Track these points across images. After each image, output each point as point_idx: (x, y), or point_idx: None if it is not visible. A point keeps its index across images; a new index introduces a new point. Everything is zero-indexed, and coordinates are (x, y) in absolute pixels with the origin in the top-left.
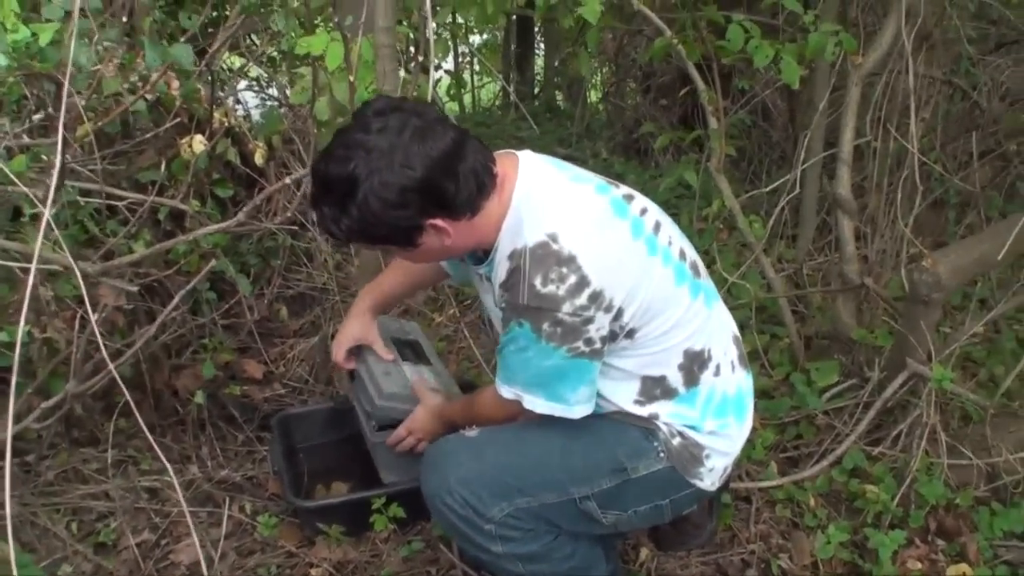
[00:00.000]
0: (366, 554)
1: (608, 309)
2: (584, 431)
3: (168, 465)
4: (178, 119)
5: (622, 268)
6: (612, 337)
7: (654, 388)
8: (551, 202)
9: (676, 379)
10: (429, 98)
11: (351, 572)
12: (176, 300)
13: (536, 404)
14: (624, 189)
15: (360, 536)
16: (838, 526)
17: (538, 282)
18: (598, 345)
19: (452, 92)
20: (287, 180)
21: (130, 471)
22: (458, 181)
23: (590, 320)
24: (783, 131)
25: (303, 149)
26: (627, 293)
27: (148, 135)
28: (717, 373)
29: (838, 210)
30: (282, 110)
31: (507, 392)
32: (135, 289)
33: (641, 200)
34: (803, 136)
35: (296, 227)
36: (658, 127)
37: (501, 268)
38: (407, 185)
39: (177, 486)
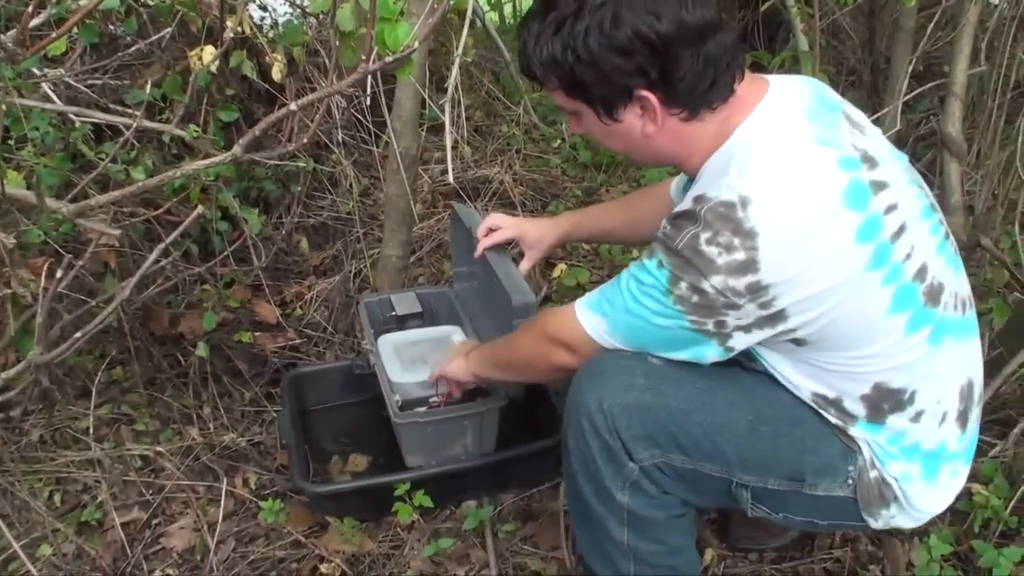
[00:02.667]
0: (385, 545)
1: (765, 307)
2: (785, 415)
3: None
4: (168, 29)
5: (812, 275)
6: (759, 326)
7: (826, 406)
8: (771, 158)
9: (855, 408)
10: (469, 8)
11: (367, 567)
12: (155, 253)
13: (600, 337)
14: (881, 171)
15: (379, 521)
16: (940, 535)
17: (704, 237)
18: (728, 330)
19: (493, 1)
20: (292, 106)
21: (123, 432)
22: (696, 62)
23: (735, 307)
24: (855, 54)
25: (329, 63)
26: (805, 303)
27: (132, 48)
28: (916, 420)
29: (944, 152)
30: (307, 19)
31: (587, 318)
32: (116, 232)
33: (897, 191)
34: (907, 63)
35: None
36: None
37: (685, 201)
38: (643, 33)
39: (172, 460)
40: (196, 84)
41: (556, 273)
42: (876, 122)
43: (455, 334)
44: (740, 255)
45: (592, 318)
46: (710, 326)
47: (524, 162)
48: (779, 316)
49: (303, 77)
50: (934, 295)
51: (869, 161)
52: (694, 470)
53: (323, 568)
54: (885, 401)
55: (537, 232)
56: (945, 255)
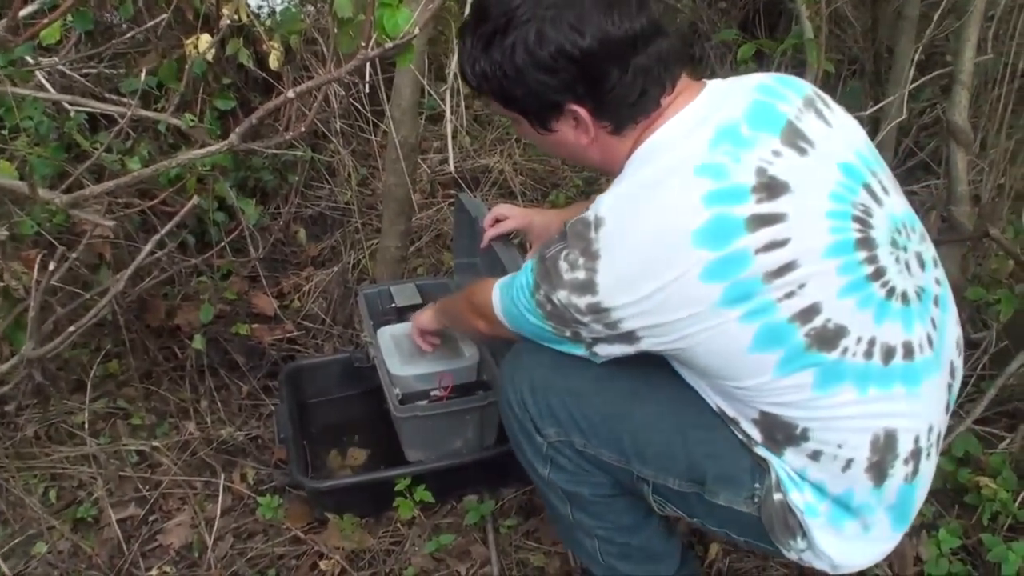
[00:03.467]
0: (385, 541)
1: (612, 327)
2: (692, 415)
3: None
4: (163, 16)
5: (653, 305)
6: (613, 341)
7: (728, 421)
8: (636, 183)
9: (752, 431)
10: None
11: (367, 564)
12: (150, 245)
13: (501, 318)
14: (783, 203)
15: (379, 517)
16: (948, 528)
17: (563, 253)
18: (586, 340)
19: None
20: (289, 94)
21: (119, 427)
22: (624, 75)
23: (579, 323)
24: (857, 43)
25: (327, 50)
26: (656, 329)
27: (127, 35)
28: (815, 458)
29: (951, 141)
30: (304, 6)
31: (495, 295)
32: (111, 223)
33: (795, 226)
34: (914, 51)
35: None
36: (730, 35)
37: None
38: (567, 51)
39: (169, 455)
40: (192, 72)
41: None
42: (880, 111)
43: None
44: (581, 274)
45: (497, 296)
46: (568, 334)
47: (524, 151)
48: (631, 336)
49: (301, 66)
50: (826, 339)
51: (769, 190)
52: (595, 455)
53: (322, 565)
54: (777, 432)
55: (544, 222)
56: (859, 296)
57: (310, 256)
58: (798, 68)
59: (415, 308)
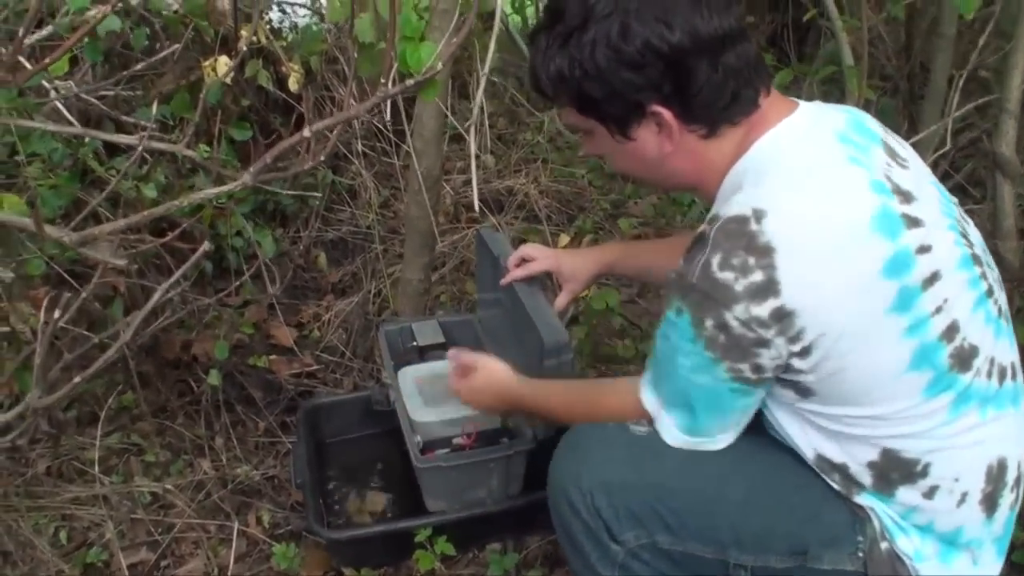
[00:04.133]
0: None
1: (794, 340)
2: (784, 480)
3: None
4: (176, 46)
5: (835, 303)
6: (784, 371)
7: (831, 471)
8: (793, 174)
9: (862, 475)
10: (497, 11)
11: None
12: (159, 294)
13: (671, 433)
14: (916, 208)
15: (398, 567)
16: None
17: (716, 261)
18: (768, 374)
19: (516, 4)
20: (306, 132)
21: (132, 464)
22: (714, 74)
23: (765, 343)
24: (890, 60)
25: (348, 69)
26: (826, 337)
27: (142, 62)
28: (929, 496)
29: (997, 174)
30: (324, 24)
31: (649, 400)
32: (122, 263)
33: (932, 233)
34: (957, 77)
35: (338, 160)
36: (768, 59)
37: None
38: (654, 45)
39: (182, 497)
40: (207, 101)
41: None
42: (920, 142)
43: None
44: (757, 276)
45: (652, 399)
46: (747, 372)
47: (549, 172)
48: (805, 354)
49: (322, 85)
50: (963, 359)
51: (902, 195)
52: (684, 552)
53: None
54: (894, 471)
55: (574, 264)
56: (983, 313)
57: (330, 282)
58: (833, 89)
59: (437, 348)
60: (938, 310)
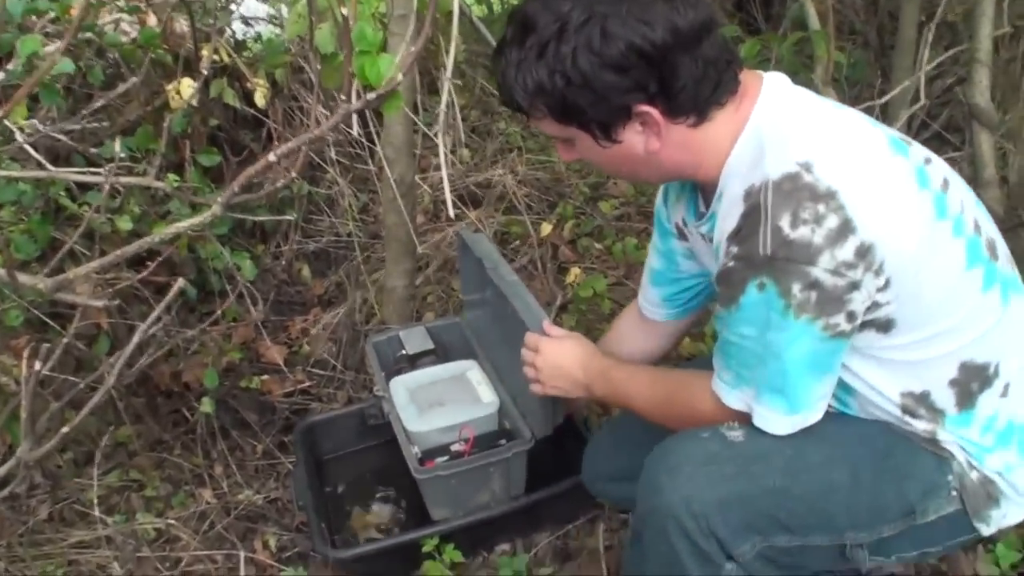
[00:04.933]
0: None
1: (878, 273)
2: (875, 451)
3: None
4: (133, 79)
5: (900, 219)
6: (868, 310)
7: (915, 406)
8: (807, 126)
9: (945, 398)
10: (455, 9)
11: None
12: (137, 337)
13: (774, 421)
14: (897, 132)
15: None
16: (1007, 542)
17: (786, 223)
18: (859, 320)
19: None
20: (271, 157)
21: (133, 500)
22: (696, 66)
23: (856, 285)
24: (858, 14)
25: (315, 78)
26: (901, 260)
27: (99, 103)
28: (1005, 394)
29: (974, 123)
30: (284, 37)
31: (735, 399)
32: (100, 304)
33: (921, 149)
34: (926, 29)
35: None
36: (731, 31)
37: (731, 214)
38: (637, 45)
39: (186, 530)
40: (171, 131)
41: (570, 278)
42: (893, 99)
43: (471, 370)
44: (833, 219)
45: (738, 398)
46: (843, 322)
47: (525, 161)
48: (885, 287)
49: (289, 97)
50: (992, 249)
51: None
52: (801, 546)
53: None
54: (973, 380)
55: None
56: (982, 209)
57: (315, 295)
58: (802, 54)
59: (427, 355)
60: (962, 209)
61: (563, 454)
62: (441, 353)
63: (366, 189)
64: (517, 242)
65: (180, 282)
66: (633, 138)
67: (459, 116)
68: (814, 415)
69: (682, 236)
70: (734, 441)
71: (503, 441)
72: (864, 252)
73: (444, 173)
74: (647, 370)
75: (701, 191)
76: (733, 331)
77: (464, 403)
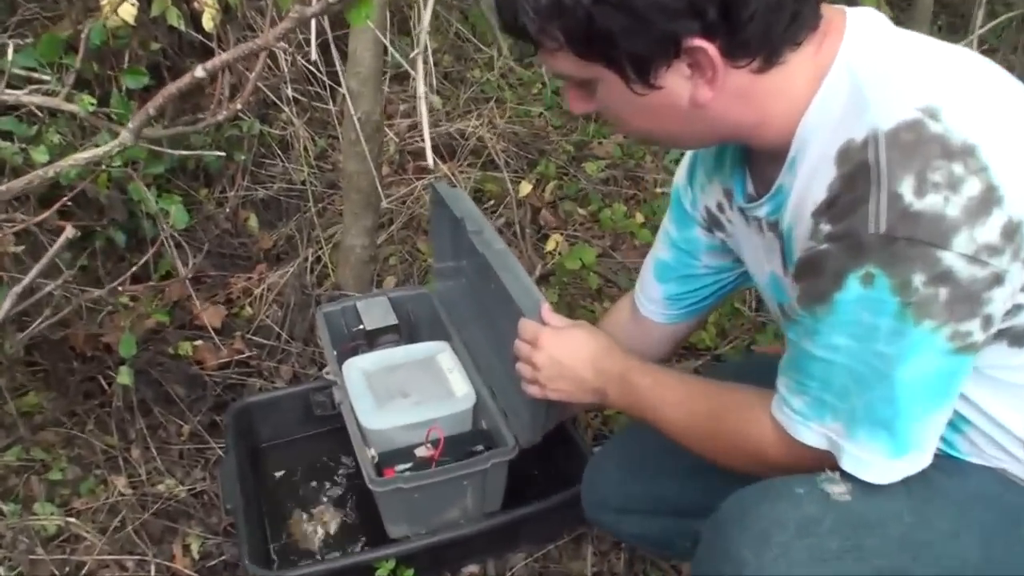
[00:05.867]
0: None
1: None
2: (1003, 514)
3: None
4: None
5: None
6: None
7: None
8: (920, 64)
9: None
10: None
11: None
12: (11, 298)
13: (874, 466)
14: None
15: None
16: None
17: (908, 189)
18: (994, 328)
19: None
20: (198, 72)
21: (34, 485)
22: None
23: (1000, 278)
24: None
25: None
26: None
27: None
28: None
29: None
30: None
31: (813, 435)
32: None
33: None
34: None
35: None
36: None
37: (815, 183)
38: None
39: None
40: (89, 45)
41: (550, 246)
42: None
43: (441, 353)
44: (973, 185)
45: (814, 432)
46: (976, 330)
47: (503, 113)
48: None
49: (244, 25)
50: None
51: None
52: None
53: None
54: None
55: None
56: None
57: (262, 249)
58: None
59: (388, 331)
60: None
61: (546, 457)
62: (405, 330)
63: (325, 133)
64: (492, 202)
65: (68, 230)
66: (677, 84)
67: (431, 60)
68: (924, 459)
69: (714, 225)
70: (838, 501)
71: (479, 447)
72: (1011, 232)
73: (422, 105)
74: (684, 378)
75: (751, 164)
76: (819, 342)
77: (433, 395)
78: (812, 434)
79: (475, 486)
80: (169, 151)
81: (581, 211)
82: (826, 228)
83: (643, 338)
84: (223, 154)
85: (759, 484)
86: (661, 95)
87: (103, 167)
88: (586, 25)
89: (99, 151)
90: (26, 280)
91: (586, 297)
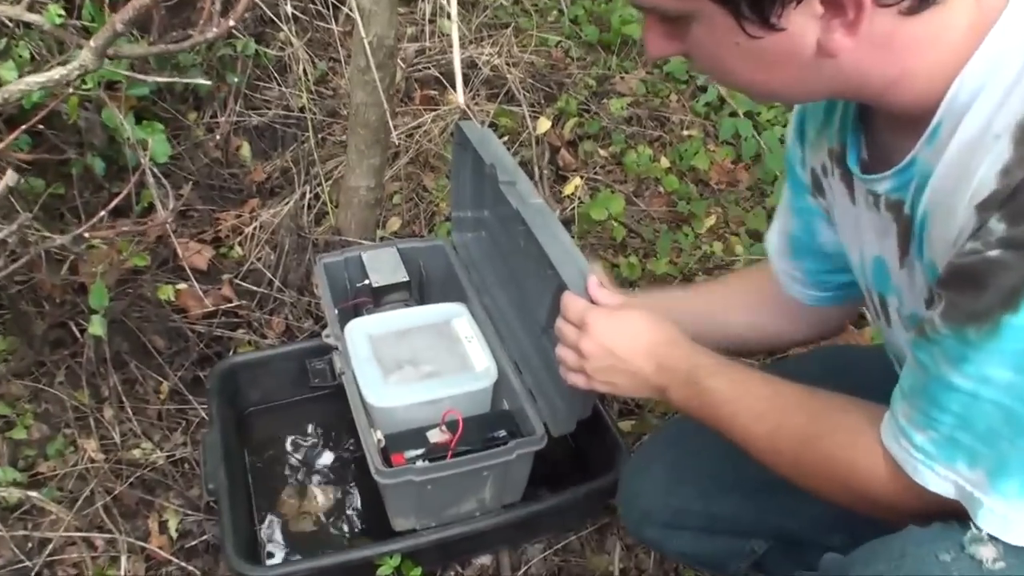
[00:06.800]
0: None
1: None
2: None
3: None
4: None
5: None
6: None
7: None
8: None
9: None
10: None
11: None
12: None
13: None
14: None
15: None
16: None
17: None
18: None
19: None
20: None
21: None
22: None
23: None
24: None
25: None
26: None
27: None
28: None
29: None
30: None
31: (940, 480)
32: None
33: None
34: None
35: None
36: None
37: (978, 161)
38: None
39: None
40: None
41: (569, 189)
42: None
43: (458, 317)
44: None
45: (958, 475)
46: None
47: (519, 41)
48: None
49: None
50: None
51: None
52: None
53: None
54: None
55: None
56: None
57: (255, 181)
58: None
59: (398, 289)
60: None
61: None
62: (415, 287)
63: (327, 56)
64: (507, 138)
65: (8, 176)
66: (804, 26)
67: None
68: None
69: (817, 190)
70: (993, 571)
71: (501, 433)
72: None
73: (454, 14)
74: (769, 381)
75: (869, 124)
76: (966, 371)
77: (448, 368)
78: (938, 479)
79: (496, 478)
80: (142, 77)
81: (603, 152)
82: (999, 228)
83: (790, 319)
84: (208, 82)
85: (891, 543)
86: (780, 39)
87: (71, 90)
88: None
89: (54, 74)
90: None
91: (608, 248)
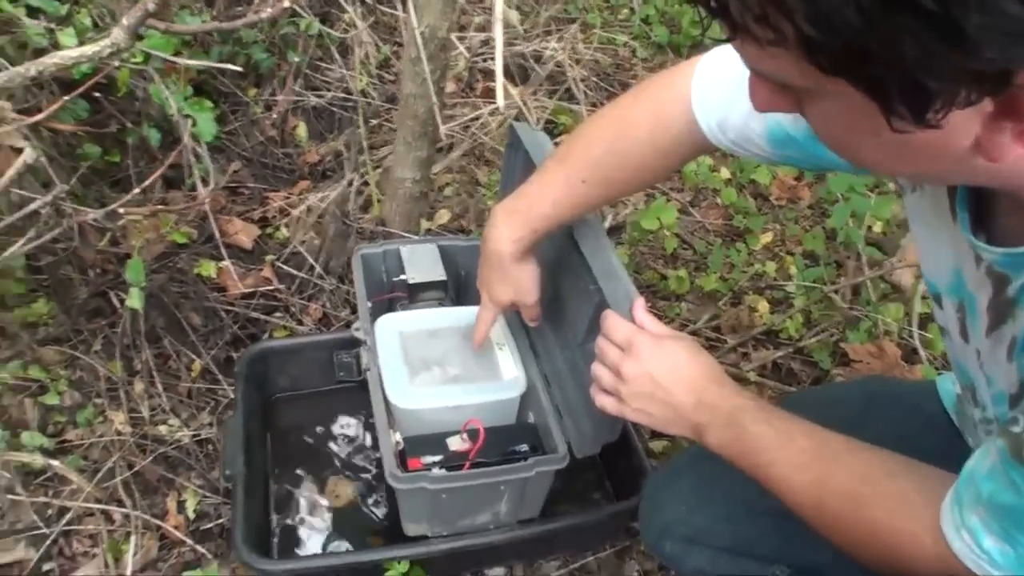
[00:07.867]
0: None
1: None
2: None
3: None
4: None
5: None
6: None
7: None
8: None
9: None
10: None
11: None
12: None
13: None
14: None
15: None
16: None
17: None
18: None
19: None
20: None
21: (27, 408)
22: None
23: None
24: None
25: None
26: None
27: None
28: None
29: None
30: None
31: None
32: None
33: None
34: None
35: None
36: None
37: None
38: None
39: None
40: None
41: None
42: None
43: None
44: None
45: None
46: None
47: (587, 37)
48: None
49: None
50: None
51: None
52: None
53: None
54: None
55: (510, 285)
56: None
57: (308, 163)
58: None
59: (434, 287)
60: None
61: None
62: (452, 287)
63: (391, 40)
64: (563, 136)
65: (27, 154)
66: (965, 125)
67: None
68: None
69: None
70: None
71: (523, 447)
72: None
73: (498, 29)
74: (815, 433)
75: (978, 196)
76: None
77: (476, 374)
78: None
79: (513, 493)
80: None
81: None
82: None
83: (669, 155)
84: (239, 68)
85: None
86: (932, 135)
87: (116, 64)
88: (857, 36)
89: (86, 50)
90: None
91: (658, 259)
